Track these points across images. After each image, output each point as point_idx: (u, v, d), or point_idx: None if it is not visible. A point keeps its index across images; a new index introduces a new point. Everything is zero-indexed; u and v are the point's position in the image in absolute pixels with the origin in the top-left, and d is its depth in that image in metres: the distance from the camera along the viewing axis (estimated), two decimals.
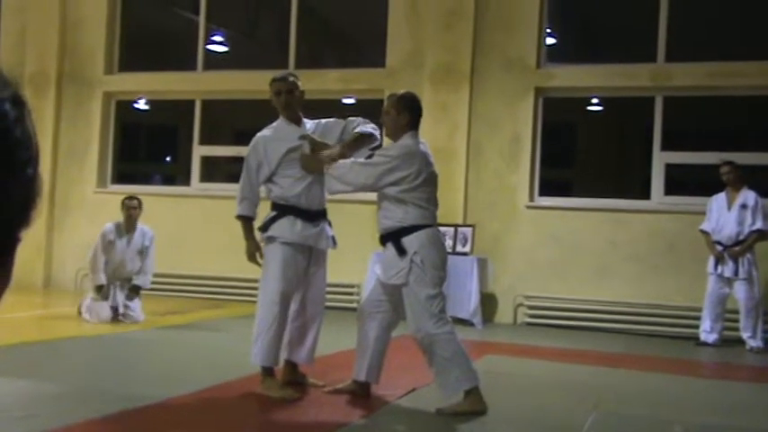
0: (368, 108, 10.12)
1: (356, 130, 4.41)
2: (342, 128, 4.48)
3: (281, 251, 4.30)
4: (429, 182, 4.16)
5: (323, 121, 4.59)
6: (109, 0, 10.41)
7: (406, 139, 4.17)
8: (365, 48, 10.37)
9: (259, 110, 10.80)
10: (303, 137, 4.41)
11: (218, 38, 10.56)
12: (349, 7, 10.40)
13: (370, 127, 4.46)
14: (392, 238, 4.12)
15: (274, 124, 4.51)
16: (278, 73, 4.71)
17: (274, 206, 4.43)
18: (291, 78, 4.53)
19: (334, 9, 10.69)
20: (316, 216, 4.43)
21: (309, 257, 4.45)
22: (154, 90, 10.55)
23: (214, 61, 10.32)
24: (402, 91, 4.38)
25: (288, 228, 4.33)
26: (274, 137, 4.41)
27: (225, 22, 10.76)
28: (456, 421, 3.91)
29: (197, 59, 10.19)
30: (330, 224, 4.56)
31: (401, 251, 4.06)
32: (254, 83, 9.90)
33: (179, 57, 10.58)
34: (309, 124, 4.53)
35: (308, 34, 10.14)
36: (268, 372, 4.32)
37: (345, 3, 10.41)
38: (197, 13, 10.25)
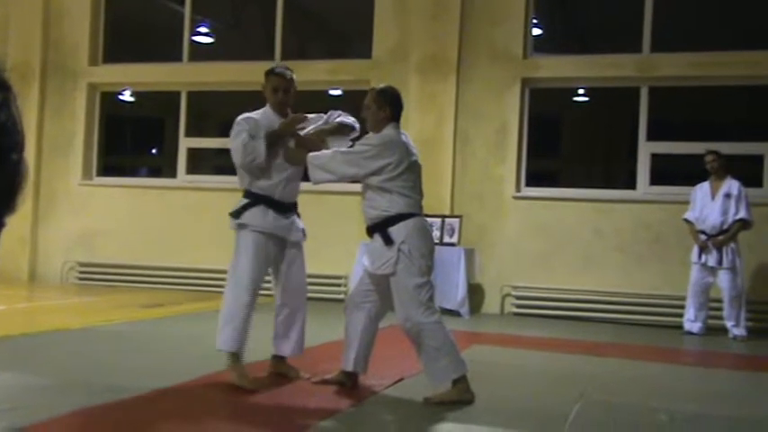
0: (354, 99, 10.12)
1: (337, 120, 4.43)
2: (324, 120, 4.48)
3: (253, 238, 4.30)
4: (412, 170, 4.17)
5: (306, 115, 4.61)
6: None
7: (387, 130, 4.18)
8: (352, 39, 10.34)
9: (246, 101, 10.77)
10: (284, 123, 4.37)
11: (203, 29, 10.50)
12: None
13: (350, 119, 4.47)
14: (379, 228, 4.13)
15: (262, 111, 4.46)
16: (276, 65, 4.69)
17: (247, 194, 4.39)
18: (290, 75, 4.47)
19: (321, 0, 10.65)
20: (288, 208, 4.43)
21: (282, 249, 4.44)
22: (139, 81, 10.49)
23: (200, 52, 10.26)
24: (382, 85, 4.39)
25: (260, 216, 4.32)
26: (264, 123, 4.35)
27: (210, 13, 10.69)
28: (443, 410, 3.93)
29: (182, 51, 10.14)
30: (299, 216, 4.55)
31: (388, 241, 4.07)
32: (240, 74, 9.87)
33: (164, 48, 10.52)
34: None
35: (295, 25, 10.11)
36: (235, 358, 4.29)
37: None
38: (182, 3, 10.19)
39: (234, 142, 4.31)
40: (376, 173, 4.08)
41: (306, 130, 4.39)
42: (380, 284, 4.23)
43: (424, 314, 4.05)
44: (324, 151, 4.20)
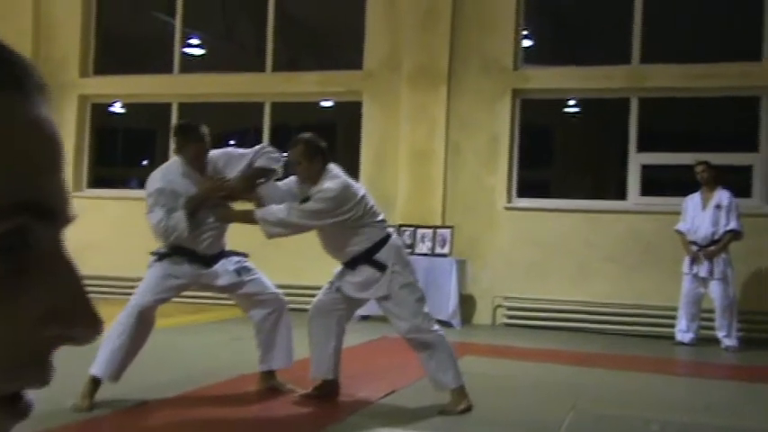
0: (345, 110, 10.16)
1: (257, 164, 4.27)
2: (248, 161, 4.29)
3: (162, 272, 4.17)
4: (367, 198, 4.21)
5: (230, 151, 4.42)
6: (83, 2, 10.33)
7: (329, 180, 4.12)
8: (342, 50, 10.36)
9: (236, 113, 10.78)
10: (207, 189, 4.21)
11: (194, 41, 10.51)
12: (326, 9, 10.40)
13: (274, 159, 4.30)
14: (363, 258, 4.14)
15: (176, 167, 4.24)
16: (185, 119, 4.44)
17: (169, 245, 4.23)
18: (206, 134, 4.21)
19: (312, 11, 10.67)
20: (212, 259, 4.29)
21: (223, 288, 4.36)
22: (130, 93, 10.47)
23: (191, 64, 10.26)
24: (302, 136, 4.23)
25: (181, 267, 4.19)
26: (182, 188, 4.16)
27: (201, 25, 10.70)
28: (436, 421, 3.93)
29: (173, 62, 10.13)
30: (234, 254, 4.37)
31: (381, 267, 4.10)
32: (231, 86, 9.87)
33: (155, 60, 10.50)
34: (216, 153, 4.33)
35: (286, 36, 10.12)
36: (96, 383, 4.04)
37: (322, 5, 10.42)
38: (173, 15, 10.19)
39: (150, 218, 4.11)
40: (346, 218, 4.08)
41: (230, 185, 4.21)
42: (353, 301, 4.28)
43: (431, 324, 4.16)
44: (275, 207, 4.10)
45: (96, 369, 4.05)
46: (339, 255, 4.24)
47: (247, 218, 4.16)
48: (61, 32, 10.34)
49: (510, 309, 8.55)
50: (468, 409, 4.11)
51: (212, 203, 4.20)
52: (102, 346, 4.08)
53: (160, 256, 4.22)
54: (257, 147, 4.41)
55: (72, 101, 10.31)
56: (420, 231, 8.53)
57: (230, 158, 4.33)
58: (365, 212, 4.15)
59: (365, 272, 4.15)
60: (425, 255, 8.33)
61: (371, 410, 4.18)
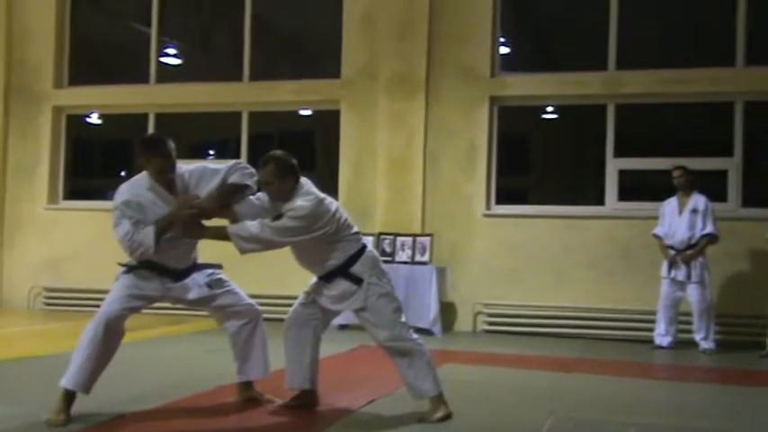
0: (323, 119, 10.14)
1: (230, 181, 4.20)
2: (221, 177, 4.22)
3: (130, 283, 4.12)
4: (340, 212, 4.18)
5: (204, 166, 4.33)
6: (57, 12, 10.26)
7: (301, 197, 4.07)
8: (320, 59, 10.36)
9: (214, 122, 10.73)
10: (178, 209, 4.12)
11: (171, 50, 10.46)
12: (304, 18, 10.39)
13: (247, 175, 4.23)
14: (339, 271, 4.12)
15: (143, 182, 4.15)
16: (151, 134, 4.30)
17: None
18: (172, 148, 4.13)
19: (289, 20, 10.66)
20: (183, 273, 4.24)
21: (198, 302, 4.31)
22: (106, 104, 10.40)
23: (167, 74, 10.21)
24: (273, 155, 4.16)
25: (147, 280, 4.13)
26: (149, 203, 4.09)
27: (178, 35, 10.65)
28: (416, 429, 3.91)
29: (150, 72, 10.08)
30: (206, 267, 4.31)
31: (357, 281, 4.08)
32: (208, 95, 9.83)
33: (131, 70, 10.44)
34: (189, 169, 4.25)
35: (263, 46, 10.10)
36: (69, 397, 4.01)
37: (300, 14, 10.41)
38: (149, 25, 10.14)
39: (116, 232, 4.04)
40: (320, 235, 4.04)
41: (199, 204, 4.13)
42: (329, 311, 4.28)
43: (409, 332, 4.15)
44: (248, 223, 4.05)
45: (66, 381, 4.01)
46: (314, 269, 4.21)
47: (220, 234, 4.10)
48: (34, 42, 10.26)
49: (490, 315, 8.57)
50: (448, 416, 4.10)
51: (184, 222, 4.13)
52: (73, 358, 4.04)
53: (129, 269, 4.17)
54: (231, 162, 4.34)
55: (46, 112, 10.23)
56: (400, 239, 8.54)
57: (203, 174, 4.26)
58: (339, 227, 4.11)
59: (341, 285, 4.13)
60: (405, 263, 8.34)
61: (351, 420, 4.16)
